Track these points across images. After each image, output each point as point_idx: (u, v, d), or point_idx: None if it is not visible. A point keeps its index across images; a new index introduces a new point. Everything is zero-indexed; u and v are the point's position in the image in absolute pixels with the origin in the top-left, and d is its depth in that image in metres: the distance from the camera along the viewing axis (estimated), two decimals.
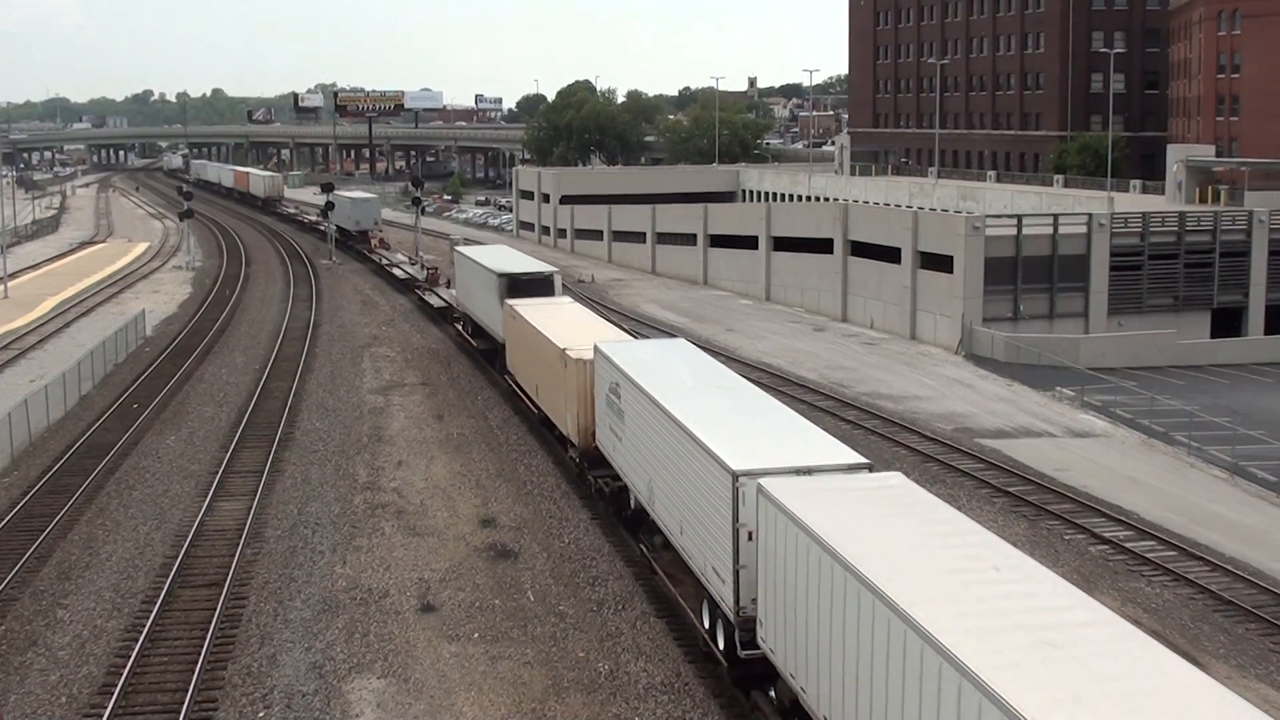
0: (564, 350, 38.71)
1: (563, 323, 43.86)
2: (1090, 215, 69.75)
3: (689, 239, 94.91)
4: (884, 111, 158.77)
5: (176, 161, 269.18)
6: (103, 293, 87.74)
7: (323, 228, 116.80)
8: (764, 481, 22.41)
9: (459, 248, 68.03)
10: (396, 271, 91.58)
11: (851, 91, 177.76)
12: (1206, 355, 64.72)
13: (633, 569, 32.64)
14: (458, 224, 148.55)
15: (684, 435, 26.34)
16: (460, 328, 64.40)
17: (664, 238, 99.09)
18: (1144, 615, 31.04)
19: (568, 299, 52.01)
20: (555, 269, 55.96)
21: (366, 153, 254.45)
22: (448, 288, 76.52)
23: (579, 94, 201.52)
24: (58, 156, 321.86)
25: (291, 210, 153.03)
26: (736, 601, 23.47)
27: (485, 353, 57.87)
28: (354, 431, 47.50)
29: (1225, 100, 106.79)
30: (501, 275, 53.07)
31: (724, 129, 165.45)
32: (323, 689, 26.20)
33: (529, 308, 47.02)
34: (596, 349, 36.49)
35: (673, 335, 55.93)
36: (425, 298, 77.99)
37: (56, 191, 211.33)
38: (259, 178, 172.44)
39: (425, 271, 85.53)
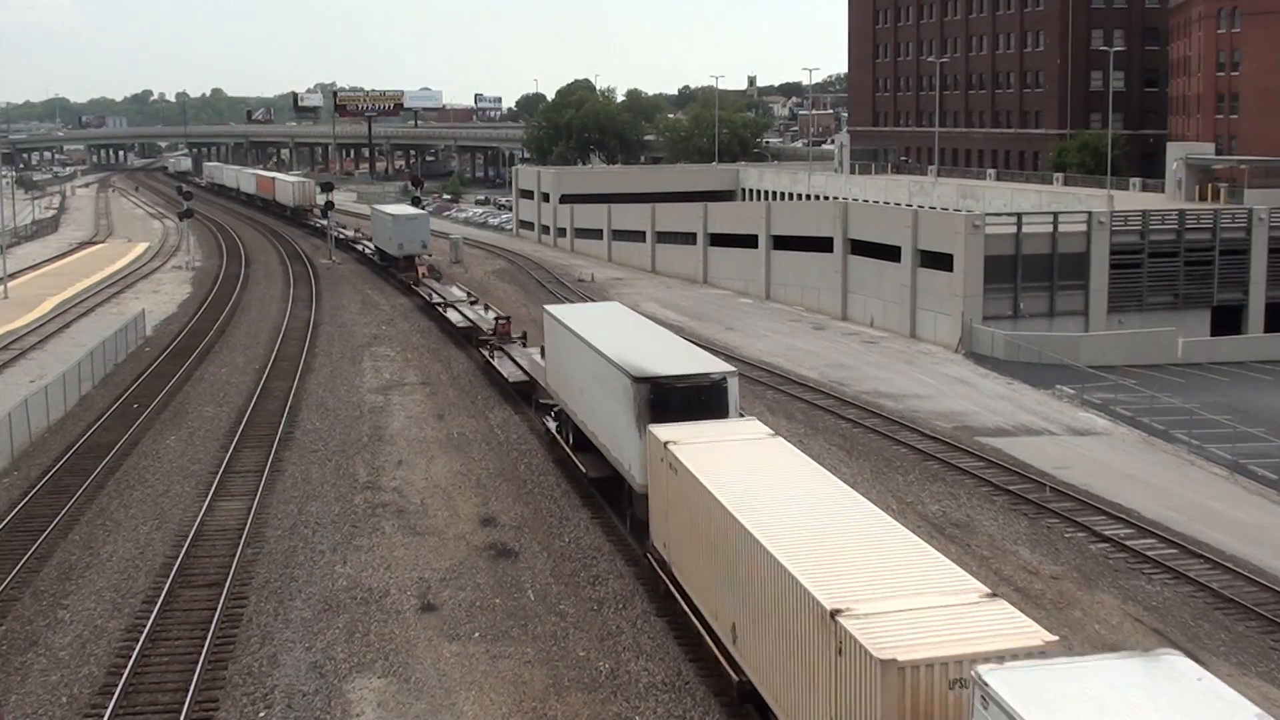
0: (834, 618, 19.16)
1: (783, 505, 24.22)
2: (1090, 213, 69.72)
3: (689, 238, 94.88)
4: (883, 110, 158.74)
5: (184, 163, 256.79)
6: (103, 293, 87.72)
7: (360, 247, 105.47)
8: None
9: (552, 308, 45.22)
10: (453, 316, 68.74)
11: (851, 90, 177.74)
12: (1206, 353, 64.71)
13: (634, 568, 32.64)
14: (457, 223, 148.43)
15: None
16: (554, 426, 43.26)
17: (664, 236, 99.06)
18: (1144, 613, 31.06)
19: (760, 427, 30.48)
20: (729, 368, 34.14)
21: (366, 152, 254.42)
22: (523, 344, 58.74)
23: (578, 93, 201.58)
24: (57, 157, 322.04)
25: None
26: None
27: (600, 482, 37.25)
28: (354, 431, 47.50)
29: (1225, 98, 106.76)
30: (639, 379, 32.18)
31: (724, 128, 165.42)
32: (323, 688, 26.21)
33: (704, 458, 27.19)
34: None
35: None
36: (496, 362, 56.00)
37: (56, 192, 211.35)
38: (287, 184, 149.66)
39: (495, 322, 62.24)
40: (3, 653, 28.02)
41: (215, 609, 29.80)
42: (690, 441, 28.35)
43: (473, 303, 72.46)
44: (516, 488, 40.10)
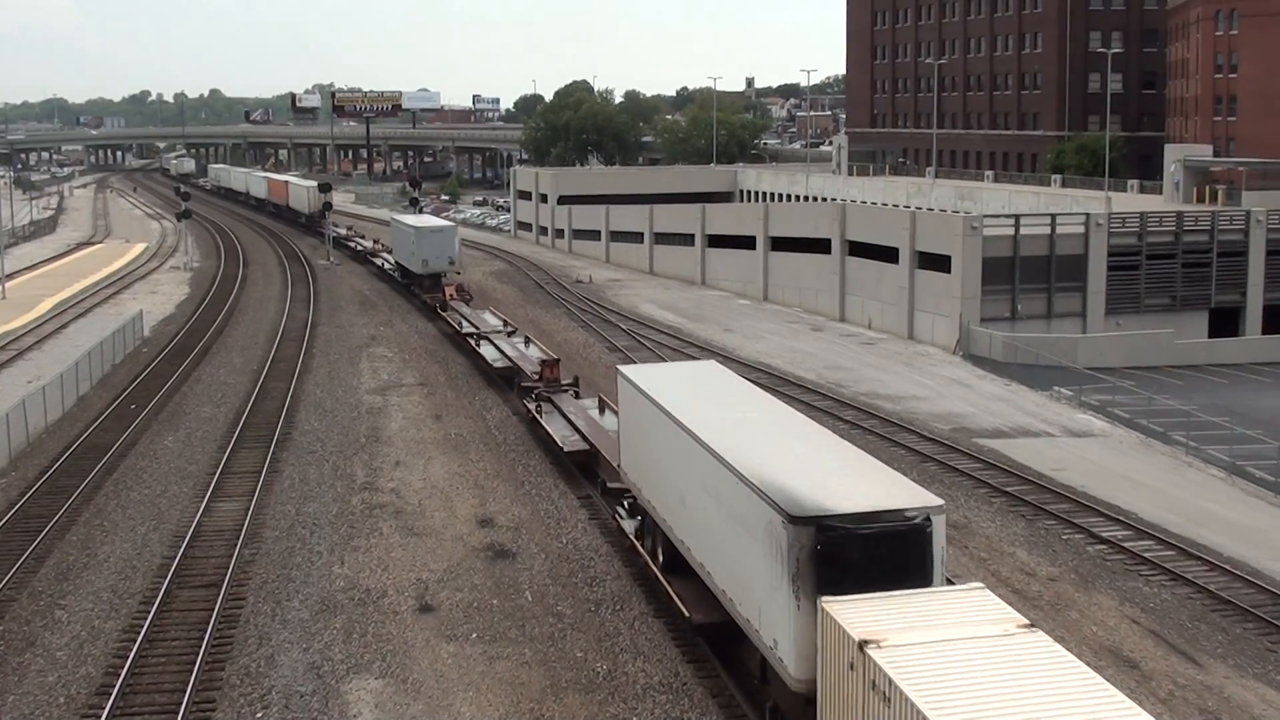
0: None
1: None
2: (1088, 215, 69.76)
3: (687, 239, 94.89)
4: (881, 111, 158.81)
5: (187, 165, 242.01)
6: (100, 293, 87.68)
7: (379, 261, 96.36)
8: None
9: (629, 371, 33.56)
10: (487, 350, 57.51)
11: (849, 91, 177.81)
12: (1204, 355, 64.74)
13: (630, 569, 32.62)
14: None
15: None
16: (631, 527, 32.75)
17: (662, 238, 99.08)
18: (1142, 615, 31.07)
19: (997, 605, 19.88)
20: (932, 499, 22.37)
21: (364, 153, 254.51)
22: (576, 394, 47.65)
23: (576, 94, 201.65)
24: (55, 157, 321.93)
25: (342, 231, 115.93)
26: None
27: (710, 629, 26.45)
28: (352, 432, 47.47)
29: (1223, 100, 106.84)
30: (798, 519, 21.13)
31: (722, 129, 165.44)
32: (321, 689, 26.19)
33: (939, 681, 16.90)
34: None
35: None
36: (544, 420, 44.26)
37: (54, 192, 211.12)
38: (301, 189, 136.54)
39: (540, 365, 50.03)
40: (0, 653, 27.99)
41: (213, 610, 29.78)
42: (903, 643, 17.76)
43: (510, 333, 61.03)
44: (514, 489, 40.07)
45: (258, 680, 26.61)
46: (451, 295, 73.31)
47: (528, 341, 58.60)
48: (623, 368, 34.43)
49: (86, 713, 25.36)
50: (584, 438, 41.33)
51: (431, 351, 64.35)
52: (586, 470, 40.37)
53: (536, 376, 49.09)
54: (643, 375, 32.72)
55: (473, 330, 62.30)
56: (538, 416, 44.94)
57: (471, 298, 74.43)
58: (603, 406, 44.07)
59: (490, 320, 65.95)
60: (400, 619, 29.72)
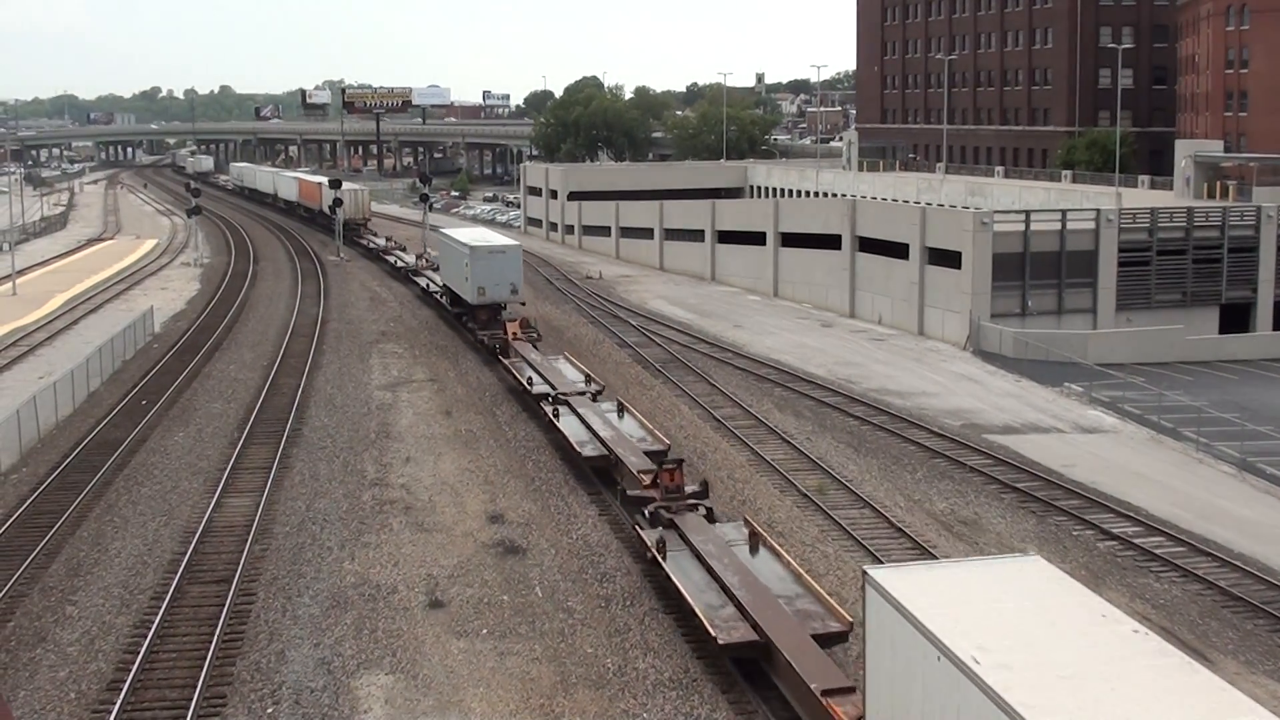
0: None
1: None
2: (1098, 211, 69.60)
3: (697, 235, 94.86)
4: (892, 107, 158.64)
5: (205, 163, 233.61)
6: (111, 289, 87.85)
7: (421, 280, 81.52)
8: None
9: (886, 579, 19.20)
10: (569, 425, 42.60)
11: (859, 87, 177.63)
12: (1215, 351, 64.60)
13: (641, 565, 32.64)
14: (465, 220, 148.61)
15: None
16: None
17: (672, 234, 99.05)
18: (1152, 611, 31.02)
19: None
20: None
21: (374, 149, 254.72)
22: (709, 516, 32.52)
23: (586, 90, 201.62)
24: (66, 153, 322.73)
25: (380, 242, 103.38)
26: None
27: None
28: (362, 428, 47.52)
29: (1234, 95, 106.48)
30: None
31: (732, 125, 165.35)
32: (331, 685, 26.24)
33: None
34: None
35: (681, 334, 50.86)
36: (675, 575, 28.89)
37: (64, 188, 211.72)
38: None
39: (656, 467, 34.93)
40: (11, 649, 28.08)
41: (223, 605, 29.84)
42: None
43: (595, 394, 46.45)
44: (524, 485, 40.09)
45: (268, 676, 26.67)
46: (515, 334, 57.65)
47: (621, 410, 43.63)
48: (875, 572, 19.76)
49: (98, 708, 25.42)
50: (755, 629, 25.80)
51: (442, 347, 63.75)
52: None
53: (649, 483, 34.26)
54: (913, 595, 18.52)
55: (547, 389, 47.66)
56: (659, 558, 29.93)
57: (540, 337, 58.90)
58: (754, 544, 30.31)
59: (567, 373, 50.78)
60: (410, 615, 29.75)
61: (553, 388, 47.77)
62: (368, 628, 29.03)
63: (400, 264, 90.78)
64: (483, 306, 62.06)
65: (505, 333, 57.75)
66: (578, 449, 40.01)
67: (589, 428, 41.86)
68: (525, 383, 48.94)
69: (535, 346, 56.57)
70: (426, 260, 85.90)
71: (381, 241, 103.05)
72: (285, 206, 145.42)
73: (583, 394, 46.50)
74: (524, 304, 64.93)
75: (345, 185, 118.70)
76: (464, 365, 58.85)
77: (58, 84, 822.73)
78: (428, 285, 79.21)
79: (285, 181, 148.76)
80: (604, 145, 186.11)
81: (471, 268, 61.85)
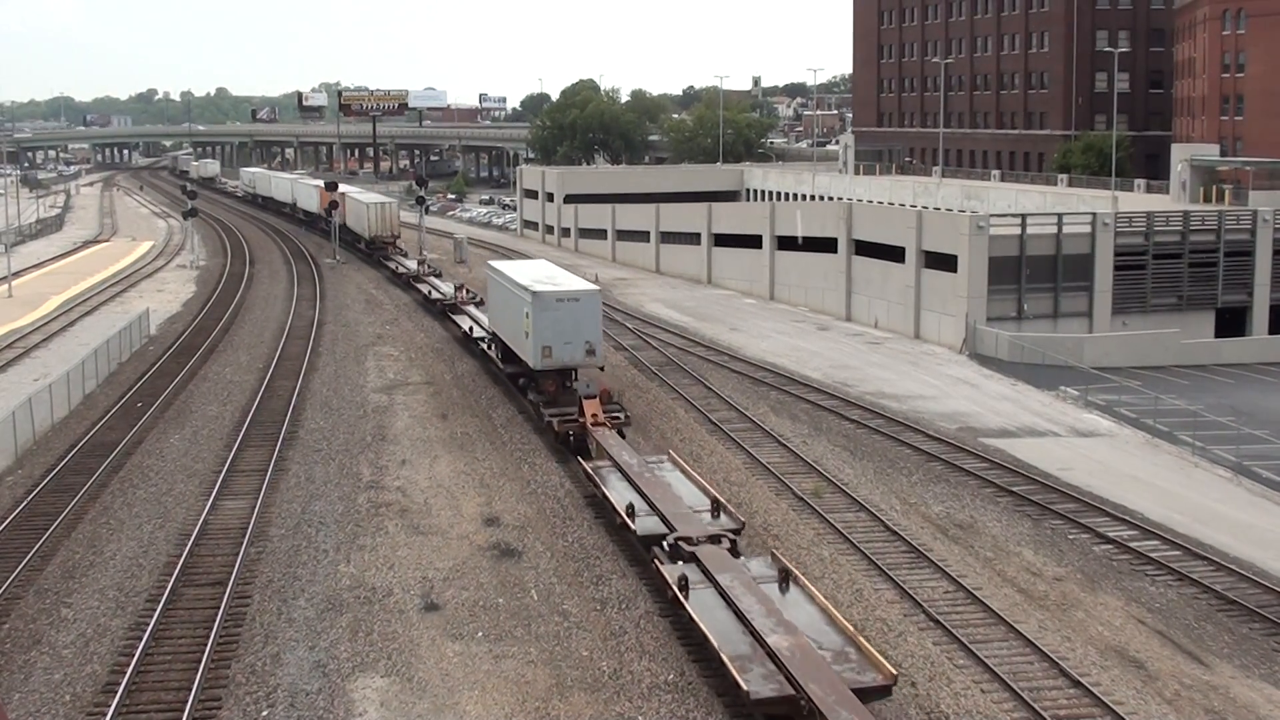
0: None
1: None
2: (1094, 215, 69.68)
3: (693, 238, 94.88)
4: (888, 110, 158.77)
5: (210, 168, 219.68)
6: (107, 291, 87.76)
7: (463, 324, 63.83)
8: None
9: None
10: (705, 618, 26.34)
11: (855, 90, 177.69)
12: (1210, 355, 64.66)
13: (636, 568, 32.62)
14: (462, 223, 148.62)
15: None
16: None
17: (668, 237, 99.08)
18: (1148, 615, 31.03)
19: None
20: None
21: (370, 152, 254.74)
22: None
23: (583, 93, 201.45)
24: (62, 155, 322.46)
25: (410, 265, 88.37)
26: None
27: None
28: (358, 430, 47.48)
29: (1230, 99, 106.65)
30: None
31: (728, 128, 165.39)
32: (326, 688, 26.20)
33: None
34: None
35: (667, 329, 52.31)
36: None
37: (61, 190, 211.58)
38: (360, 205, 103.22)
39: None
40: (6, 651, 28.03)
41: (219, 608, 29.79)
42: None
43: (734, 536, 31.20)
44: (520, 487, 40.06)
45: (263, 678, 26.63)
46: (595, 416, 42.28)
47: (786, 580, 28.26)
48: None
49: (92, 711, 25.38)
50: None
51: (438, 350, 63.61)
52: None
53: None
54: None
55: (657, 523, 32.31)
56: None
57: (628, 420, 43.92)
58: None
59: (679, 488, 35.39)
60: (406, 617, 29.72)
61: (667, 524, 31.89)
62: (363, 630, 29.00)
63: (435, 295, 74.35)
64: (549, 373, 45.98)
65: (583, 413, 42.63)
66: (742, 681, 23.76)
67: (748, 628, 25.93)
68: (624, 513, 33.32)
69: (622, 434, 42.17)
70: (467, 291, 70.92)
71: (413, 265, 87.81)
72: (306, 218, 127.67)
73: (716, 540, 30.61)
74: (602, 368, 48.16)
75: (372, 197, 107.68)
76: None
77: (54, 86, 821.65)
78: (470, 329, 61.95)
79: (305, 190, 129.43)
80: (600, 148, 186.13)
81: (534, 320, 45.42)
